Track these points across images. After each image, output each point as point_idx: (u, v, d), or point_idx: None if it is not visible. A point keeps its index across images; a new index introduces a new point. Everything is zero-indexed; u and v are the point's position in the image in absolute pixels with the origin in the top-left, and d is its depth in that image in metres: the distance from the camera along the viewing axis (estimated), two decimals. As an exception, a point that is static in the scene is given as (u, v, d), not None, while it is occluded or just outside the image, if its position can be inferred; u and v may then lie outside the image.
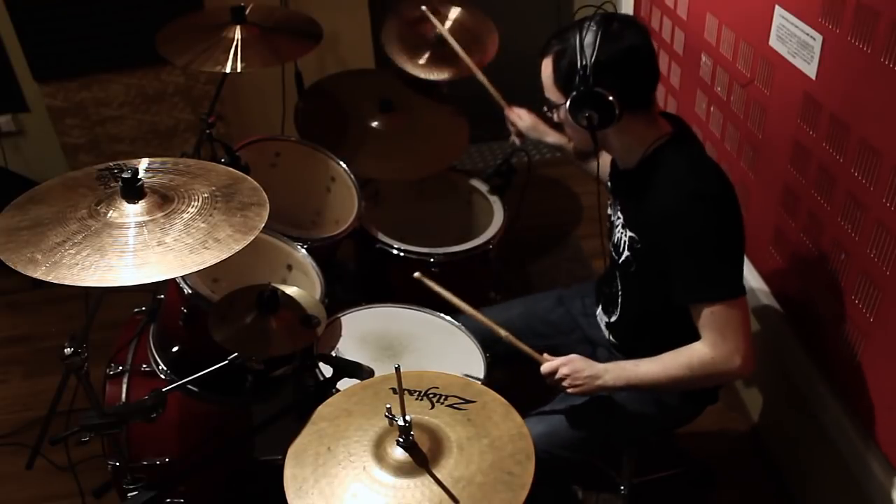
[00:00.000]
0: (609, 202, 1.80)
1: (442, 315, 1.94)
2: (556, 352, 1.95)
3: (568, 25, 1.56)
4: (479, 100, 2.32)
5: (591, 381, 1.61)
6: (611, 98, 1.49)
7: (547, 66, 1.58)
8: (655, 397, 1.72)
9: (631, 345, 1.78)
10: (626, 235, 1.67)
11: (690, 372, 1.55)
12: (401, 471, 1.19)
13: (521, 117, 2.18)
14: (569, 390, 1.63)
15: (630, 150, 1.60)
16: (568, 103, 1.52)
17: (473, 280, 2.42)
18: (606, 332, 1.84)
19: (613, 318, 1.80)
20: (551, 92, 1.59)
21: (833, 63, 1.70)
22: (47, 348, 2.79)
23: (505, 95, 2.29)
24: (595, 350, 1.90)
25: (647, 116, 1.57)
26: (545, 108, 1.65)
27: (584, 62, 1.48)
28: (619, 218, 1.70)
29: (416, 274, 1.85)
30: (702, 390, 1.76)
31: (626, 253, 1.67)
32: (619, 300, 1.76)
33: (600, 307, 1.87)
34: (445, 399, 1.33)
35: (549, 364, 1.65)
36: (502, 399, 1.34)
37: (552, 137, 2.10)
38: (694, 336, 1.56)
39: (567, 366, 1.63)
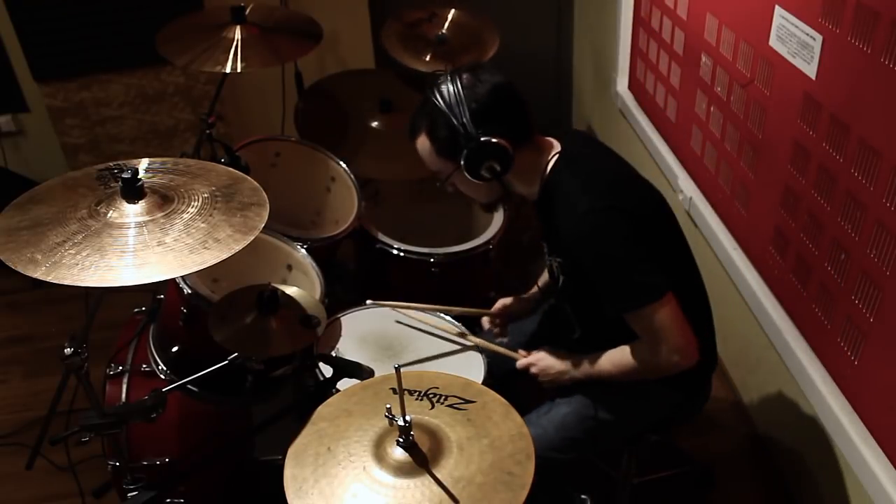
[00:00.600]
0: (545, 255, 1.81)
1: (442, 315, 1.94)
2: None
3: (422, 102, 1.57)
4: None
5: (561, 377, 1.71)
6: (501, 142, 1.50)
7: (423, 145, 1.59)
8: (637, 387, 1.70)
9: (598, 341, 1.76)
10: (555, 262, 1.70)
11: (635, 371, 1.61)
12: (401, 471, 1.19)
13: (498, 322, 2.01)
14: (543, 384, 1.74)
15: (530, 182, 1.62)
16: (463, 164, 1.52)
17: (473, 280, 2.42)
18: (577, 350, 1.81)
19: (576, 336, 1.78)
20: (437, 165, 1.60)
21: (833, 63, 1.70)
22: (47, 348, 2.79)
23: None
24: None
25: (533, 146, 1.59)
26: (437, 183, 1.65)
27: (460, 120, 1.49)
28: (545, 247, 1.75)
29: (368, 301, 1.92)
30: (688, 381, 1.74)
31: (563, 278, 1.69)
32: (575, 320, 1.76)
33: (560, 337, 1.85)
34: (445, 399, 1.33)
35: (521, 362, 1.77)
36: (502, 399, 1.34)
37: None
38: None
39: (536, 365, 1.74)
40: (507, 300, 1.98)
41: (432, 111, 1.54)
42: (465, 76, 1.52)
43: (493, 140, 1.50)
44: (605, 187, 1.55)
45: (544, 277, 1.96)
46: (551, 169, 1.59)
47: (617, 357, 1.63)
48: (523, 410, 1.70)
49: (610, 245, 1.50)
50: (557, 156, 1.60)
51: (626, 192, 1.57)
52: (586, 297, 1.64)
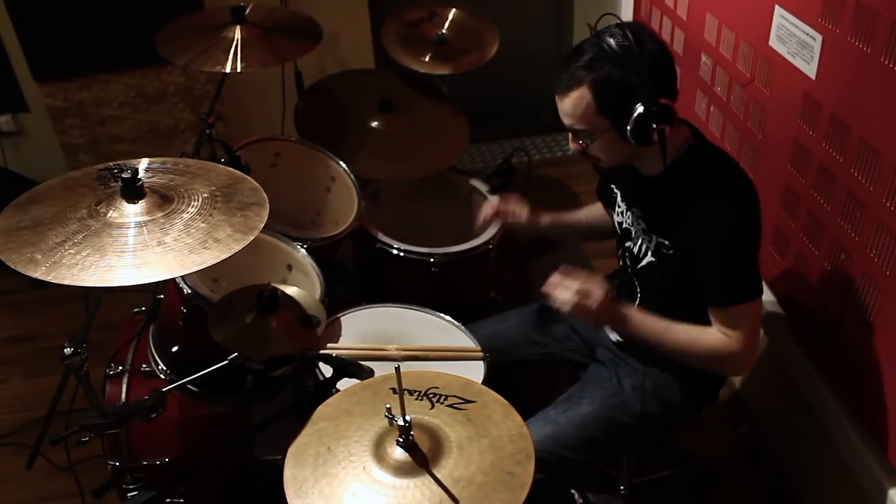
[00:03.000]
0: (619, 211, 1.76)
1: (442, 315, 1.94)
2: (553, 359, 1.96)
3: (575, 52, 1.49)
4: (479, 100, 2.33)
5: (601, 313, 1.56)
6: (671, 105, 1.45)
7: (581, 98, 1.48)
8: (660, 397, 1.72)
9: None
10: (650, 242, 1.64)
11: (703, 354, 1.56)
12: (401, 471, 1.19)
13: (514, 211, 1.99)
14: (566, 308, 1.55)
15: (658, 156, 1.54)
16: (631, 125, 1.44)
17: (473, 280, 2.42)
18: (613, 334, 1.83)
19: None
20: (589, 123, 1.50)
21: (833, 63, 1.70)
22: (47, 348, 2.79)
23: (505, 94, 2.27)
24: (594, 351, 1.90)
25: (676, 119, 1.54)
26: (580, 142, 1.55)
27: (639, 76, 1.42)
28: (639, 225, 1.68)
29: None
30: (703, 389, 1.76)
31: (650, 259, 1.66)
32: (637, 303, 1.74)
33: None
34: (445, 399, 1.33)
35: (555, 277, 1.58)
36: (502, 399, 1.34)
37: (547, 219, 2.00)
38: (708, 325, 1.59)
39: (576, 284, 1.55)
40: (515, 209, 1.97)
41: (603, 65, 1.44)
42: (628, 34, 1.43)
43: (668, 102, 1.44)
44: (742, 181, 1.54)
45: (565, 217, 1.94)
46: (687, 150, 1.56)
47: (695, 334, 1.57)
48: (525, 402, 1.70)
49: (741, 236, 1.51)
50: (692, 139, 1.57)
51: (754, 191, 1.55)
52: (668, 282, 1.63)
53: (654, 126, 1.44)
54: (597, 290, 1.56)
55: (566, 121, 1.55)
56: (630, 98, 1.44)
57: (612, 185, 1.79)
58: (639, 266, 1.70)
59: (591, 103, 1.48)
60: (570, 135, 1.59)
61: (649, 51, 1.44)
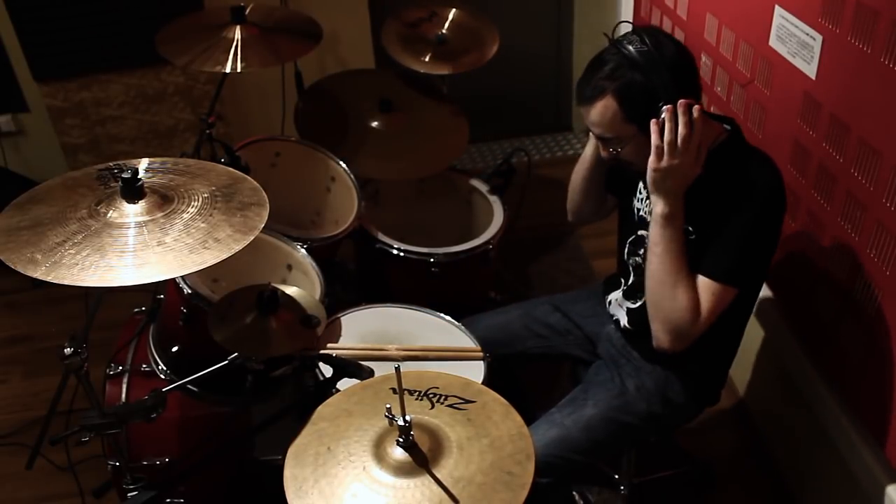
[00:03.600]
0: (640, 198, 1.75)
1: (442, 315, 1.94)
2: (554, 353, 1.96)
3: (595, 63, 1.50)
4: (479, 100, 2.32)
5: (680, 178, 1.50)
6: (694, 102, 1.45)
7: (607, 108, 1.49)
8: (663, 396, 1.73)
9: (648, 330, 1.75)
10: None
11: (664, 288, 1.53)
12: (401, 471, 1.19)
13: None
14: (656, 168, 1.49)
15: None
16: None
17: (473, 280, 2.42)
18: (624, 318, 1.81)
19: (637, 305, 1.76)
20: (617, 130, 1.52)
21: (833, 63, 1.70)
22: (47, 348, 2.79)
23: (505, 94, 2.27)
24: (596, 346, 1.91)
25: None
26: (610, 150, 1.57)
27: (661, 80, 1.43)
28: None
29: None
30: (706, 387, 1.76)
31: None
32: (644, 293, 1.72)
33: (620, 293, 1.84)
34: (445, 399, 1.33)
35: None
36: (502, 399, 1.34)
37: None
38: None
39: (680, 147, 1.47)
40: None
41: (625, 72, 1.46)
42: (646, 38, 1.45)
43: (692, 102, 1.44)
44: (777, 178, 1.55)
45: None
46: (721, 143, 1.57)
47: (682, 278, 1.53)
48: (527, 398, 1.70)
49: (765, 222, 1.52)
50: (727, 133, 1.58)
51: (784, 193, 1.56)
52: None
53: None
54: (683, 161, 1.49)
55: (595, 130, 1.56)
56: (654, 101, 1.45)
57: (633, 174, 1.75)
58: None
59: (617, 111, 1.49)
60: (599, 143, 1.61)
61: (668, 53, 1.46)
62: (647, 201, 1.70)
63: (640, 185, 1.75)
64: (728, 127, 1.61)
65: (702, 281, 1.54)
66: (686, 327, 1.54)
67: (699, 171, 1.51)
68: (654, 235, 1.55)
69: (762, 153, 1.61)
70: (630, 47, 1.46)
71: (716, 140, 1.57)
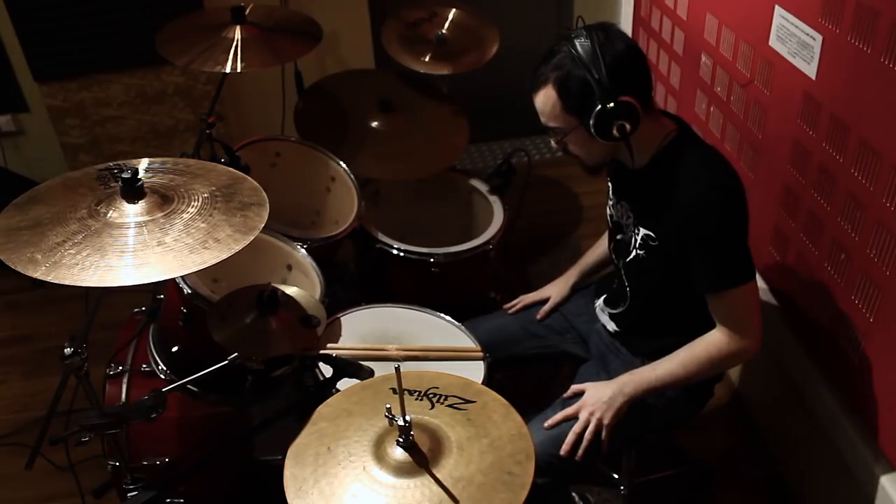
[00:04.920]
0: (611, 204, 1.80)
1: (442, 315, 1.94)
2: (553, 352, 1.96)
3: (546, 54, 1.55)
4: (479, 100, 2.32)
5: (614, 401, 1.63)
6: (634, 102, 1.48)
7: (548, 97, 1.55)
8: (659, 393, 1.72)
9: (635, 331, 1.80)
10: (638, 234, 1.67)
11: (710, 363, 1.60)
12: (401, 471, 1.19)
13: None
14: (606, 422, 1.63)
15: (641, 150, 1.60)
16: (592, 121, 1.50)
17: (473, 280, 2.42)
18: (610, 323, 1.84)
19: (620, 309, 1.80)
20: (558, 120, 1.57)
21: (833, 63, 1.70)
22: (47, 348, 2.79)
23: (505, 94, 2.28)
24: (588, 343, 1.92)
25: (653, 115, 1.59)
26: (557, 140, 1.63)
27: (597, 75, 1.47)
28: (628, 218, 1.71)
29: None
30: (699, 384, 1.76)
31: (637, 251, 1.68)
32: (628, 295, 1.77)
33: (602, 300, 1.88)
34: (445, 399, 1.33)
35: (568, 410, 1.67)
36: (502, 399, 1.34)
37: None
38: (699, 315, 1.61)
39: (587, 402, 1.65)
40: (550, 294, 2.01)
41: (566, 64, 1.50)
42: (598, 33, 1.49)
43: (626, 99, 1.48)
44: (724, 169, 1.57)
45: (588, 261, 2.00)
46: (669, 142, 1.59)
47: (686, 354, 1.62)
48: (528, 400, 1.70)
49: (724, 222, 1.53)
50: (675, 132, 1.60)
51: (739, 178, 1.58)
52: (656, 273, 1.66)
53: (616, 123, 1.49)
54: (594, 392, 1.66)
55: (541, 118, 1.61)
56: (590, 96, 1.49)
57: (608, 180, 1.82)
58: (628, 259, 1.72)
59: (556, 102, 1.54)
60: (549, 133, 1.65)
61: (614, 51, 1.49)
62: (618, 206, 1.75)
63: (610, 191, 1.80)
64: (675, 125, 1.63)
65: (723, 298, 1.56)
66: (738, 346, 1.59)
67: (622, 399, 1.62)
68: (659, 387, 1.64)
69: (711, 149, 1.63)
70: (577, 41, 1.50)
71: (665, 138, 1.59)
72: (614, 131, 1.50)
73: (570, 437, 1.63)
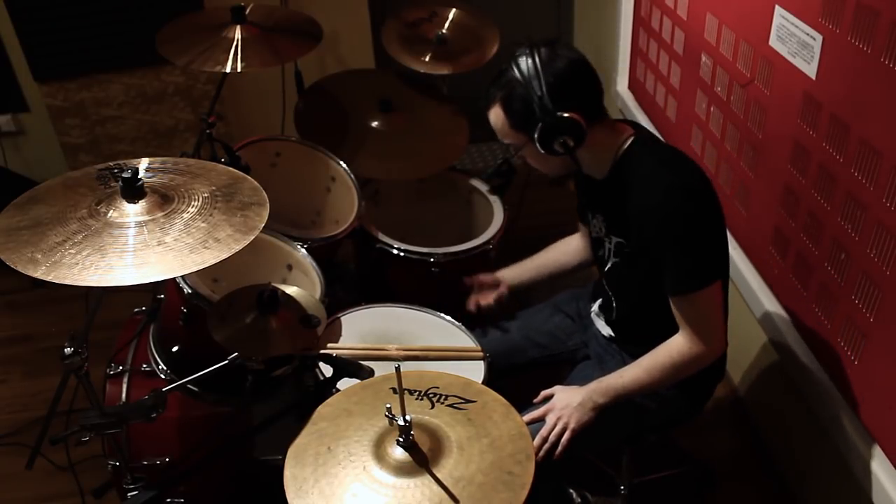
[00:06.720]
0: (586, 219, 1.81)
1: (442, 315, 1.94)
2: (557, 360, 1.96)
3: (498, 72, 1.57)
4: (479, 100, 2.32)
5: (584, 408, 1.64)
6: (575, 117, 1.50)
7: (497, 116, 1.58)
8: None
9: (632, 336, 1.80)
10: (611, 243, 1.69)
11: (674, 368, 1.61)
12: (401, 471, 1.19)
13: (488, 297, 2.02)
14: (571, 426, 1.63)
15: (601, 160, 1.62)
16: (536, 137, 1.52)
17: (473, 280, 2.42)
18: (606, 329, 1.85)
19: (612, 317, 1.82)
20: (509, 137, 1.60)
21: (833, 63, 1.70)
22: (47, 348, 2.79)
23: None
24: (588, 346, 1.92)
25: (606, 124, 1.60)
26: (512, 153, 1.66)
27: (537, 93, 1.50)
28: (601, 230, 1.73)
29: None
30: (697, 384, 1.76)
31: (614, 259, 1.70)
32: (613, 304, 1.78)
33: (597, 305, 1.89)
34: (445, 399, 1.33)
35: (536, 412, 1.67)
36: (502, 399, 1.34)
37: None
38: None
39: (555, 406, 1.66)
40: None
41: (509, 83, 1.53)
42: (543, 50, 1.52)
43: (567, 115, 1.50)
44: (682, 168, 1.58)
45: (536, 267, 2.02)
46: (626, 149, 1.60)
47: (649, 361, 1.63)
48: (528, 400, 1.71)
49: (687, 222, 1.53)
50: (632, 138, 1.61)
51: (699, 176, 1.58)
52: (634, 280, 1.67)
53: (560, 138, 1.51)
54: (562, 396, 1.66)
55: (497, 135, 1.63)
56: (532, 113, 1.51)
57: (580, 196, 1.85)
58: (606, 269, 1.74)
59: (504, 120, 1.58)
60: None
61: (554, 69, 1.51)
62: (594, 221, 1.77)
63: (586, 207, 1.81)
64: (633, 130, 1.63)
65: (684, 300, 1.57)
66: (707, 356, 1.59)
67: (591, 405, 1.63)
68: (627, 393, 1.65)
69: (670, 150, 1.64)
70: (520, 60, 1.52)
71: (622, 145, 1.60)
72: (557, 147, 1.53)
73: (537, 441, 1.63)
